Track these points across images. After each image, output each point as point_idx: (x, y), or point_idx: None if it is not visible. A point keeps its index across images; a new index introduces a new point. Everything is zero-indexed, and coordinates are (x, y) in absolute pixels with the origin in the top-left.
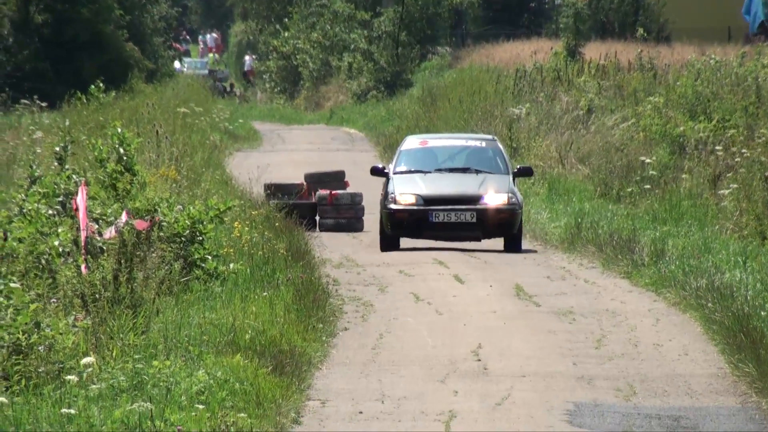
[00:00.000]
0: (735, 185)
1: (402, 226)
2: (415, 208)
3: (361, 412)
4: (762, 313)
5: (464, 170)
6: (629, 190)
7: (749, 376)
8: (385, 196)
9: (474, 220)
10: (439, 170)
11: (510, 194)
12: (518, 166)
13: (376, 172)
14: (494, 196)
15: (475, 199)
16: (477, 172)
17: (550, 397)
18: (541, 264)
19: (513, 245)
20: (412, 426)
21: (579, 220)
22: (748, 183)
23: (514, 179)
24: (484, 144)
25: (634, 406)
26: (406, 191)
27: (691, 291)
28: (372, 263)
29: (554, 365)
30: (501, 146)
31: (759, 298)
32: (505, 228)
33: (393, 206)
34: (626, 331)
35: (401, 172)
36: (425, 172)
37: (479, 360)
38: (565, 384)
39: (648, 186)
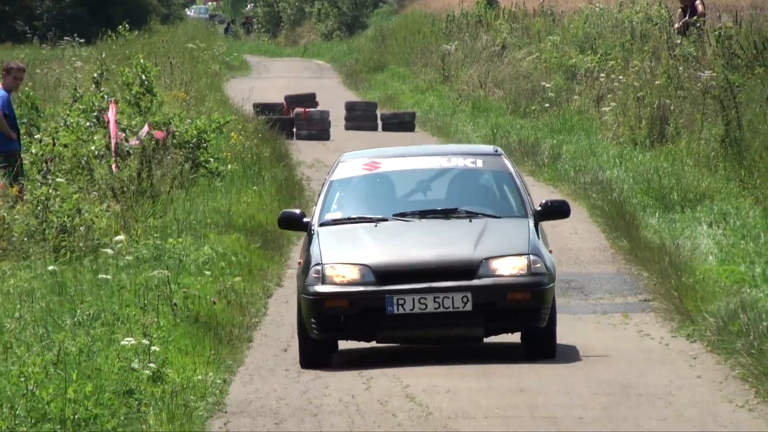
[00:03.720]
0: (614, 104)
1: (338, 325)
2: (360, 289)
3: None
4: (634, 201)
5: (447, 213)
6: (533, 108)
7: (624, 250)
8: (305, 269)
9: (469, 307)
10: (401, 216)
11: (533, 256)
12: (543, 201)
13: (289, 223)
14: (504, 261)
15: (469, 270)
16: (470, 216)
17: None
18: None
19: (542, 346)
20: None
21: (495, 130)
22: (624, 102)
23: (537, 225)
24: (479, 163)
25: None
26: (343, 259)
27: (580, 185)
28: None
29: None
30: (509, 164)
31: (631, 191)
32: (526, 318)
33: (319, 288)
34: None
35: (332, 222)
36: (376, 221)
37: None
38: None
39: (547, 105)
